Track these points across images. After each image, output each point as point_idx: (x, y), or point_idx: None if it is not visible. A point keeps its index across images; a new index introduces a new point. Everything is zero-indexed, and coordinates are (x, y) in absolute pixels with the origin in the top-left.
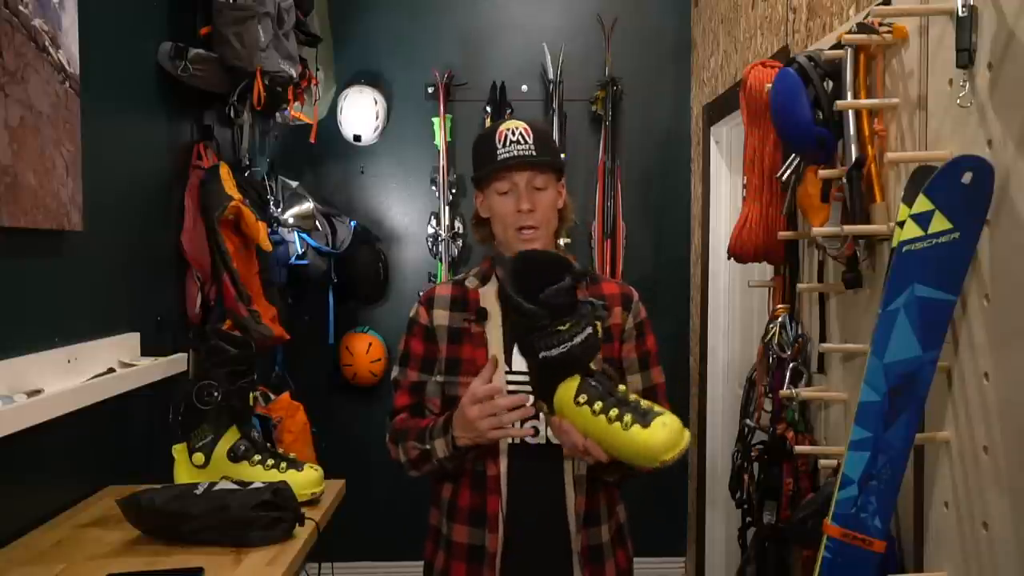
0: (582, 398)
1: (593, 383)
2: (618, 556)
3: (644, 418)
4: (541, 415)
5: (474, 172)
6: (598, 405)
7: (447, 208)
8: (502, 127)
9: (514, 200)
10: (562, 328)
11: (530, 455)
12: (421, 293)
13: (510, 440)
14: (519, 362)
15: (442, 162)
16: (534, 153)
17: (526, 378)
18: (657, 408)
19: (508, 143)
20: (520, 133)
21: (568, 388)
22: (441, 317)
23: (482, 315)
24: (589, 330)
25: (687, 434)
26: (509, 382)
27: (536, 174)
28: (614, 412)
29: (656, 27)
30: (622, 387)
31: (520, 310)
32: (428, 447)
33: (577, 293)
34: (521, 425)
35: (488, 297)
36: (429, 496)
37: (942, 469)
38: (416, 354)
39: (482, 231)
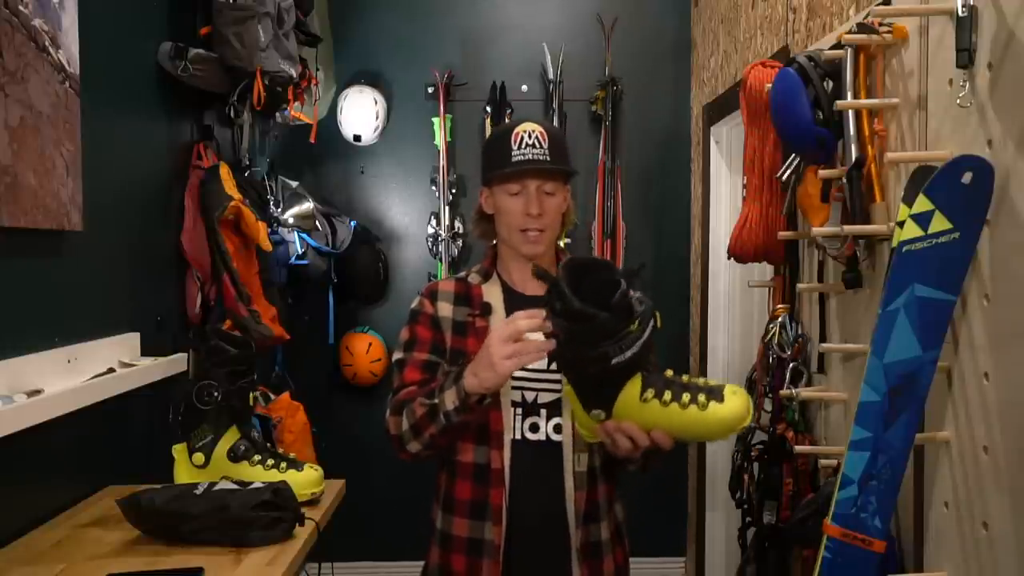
0: (649, 393)
1: (651, 375)
2: (616, 553)
3: (713, 394)
4: (542, 411)
5: (485, 169)
6: (667, 395)
7: (447, 208)
8: (518, 128)
9: (523, 202)
10: (632, 329)
11: (531, 451)
12: (417, 298)
13: (513, 435)
14: None
15: (442, 162)
16: (549, 159)
17: (535, 375)
18: (711, 381)
19: (524, 145)
20: (536, 137)
21: (632, 388)
22: (445, 309)
23: (487, 309)
24: (652, 324)
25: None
26: (515, 377)
27: (548, 180)
28: (686, 397)
29: (656, 27)
30: (668, 371)
31: (594, 321)
32: (436, 401)
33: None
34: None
35: (491, 293)
36: (431, 495)
37: (942, 469)
38: (424, 339)
39: (483, 226)
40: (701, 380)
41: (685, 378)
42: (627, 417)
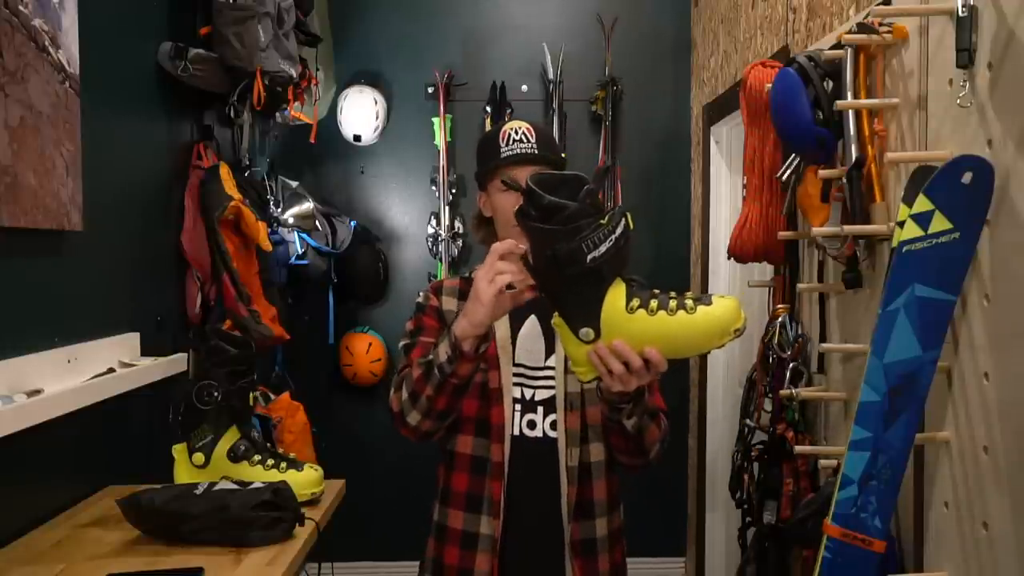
0: (635, 302)
1: (635, 287)
2: (614, 553)
3: (701, 300)
4: (539, 409)
5: (478, 171)
6: (654, 303)
7: (447, 208)
8: (505, 127)
9: (516, 195)
10: (604, 222)
11: (528, 447)
12: (421, 292)
13: (512, 431)
14: (522, 355)
15: (442, 162)
16: (536, 151)
17: (533, 372)
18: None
19: (511, 141)
20: (523, 132)
21: (616, 298)
22: (450, 303)
23: None
24: (624, 221)
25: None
26: (515, 374)
27: (538, 171)
28: (673, 304)
29: (656, 27)
30: (655, 290)
31: (564, 211)
32: (431, 357)
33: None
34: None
35: None
36: (431, 496)
37: (942, 469)
38: (430, 327)
39: (483, 231)
40: (689, 294)
41: (672, 293)
42: (617, 331)
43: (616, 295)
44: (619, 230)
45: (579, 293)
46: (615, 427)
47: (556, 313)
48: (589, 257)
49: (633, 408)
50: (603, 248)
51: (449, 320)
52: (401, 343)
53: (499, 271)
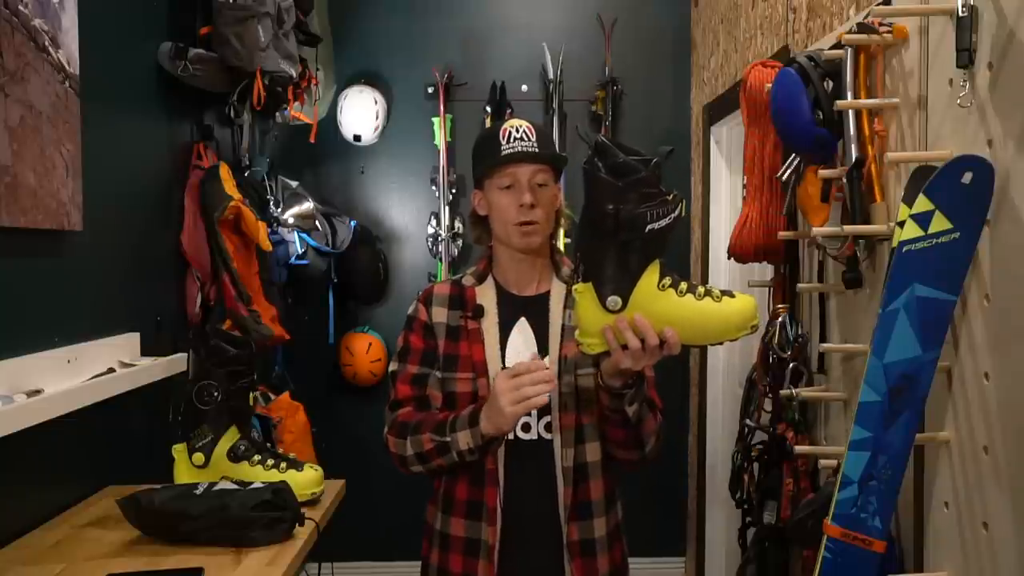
0: (667, 281)
1: (668, 268)
2: (613, 552)
3: (725, 292)
4: (533, 411)
5: (475, 169)
6: (683, 286)
7: (447, 208)
8: (505, 125)
9: (517, 194)
10: (669, 198)
11: (524, 450)
12: (413, 302)
13: (509, 435)
14: (512, 358)
15: (442, 162)
16: (538, 149)
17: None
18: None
19: (512, 139)
20: (524, 131)
21: (651, 275)
22: (439, 315)
23: (479, 312)
24: (682, 205)
25: None
26: None
27: (538, 170)
28: (701, 290)
29: (656, 27)
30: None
31: (636, 175)
32: (448, 439)
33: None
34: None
35: (485, 295)
36: (429, 495)
37: (942, 469)
38: (416, 348)
39: (478, 230)
40: (712, 285)
41: (695, 283)
42: (642, 307)
43: (652, 271)
44: (677, 211)
45: (623, 259)
46: (615, 417)
47: (581, 278)
48: (648, 227)
49: (635, 394)
50: (663, 222)
51: (438, 332)
52: (390, 367)
53: (526, 396)
